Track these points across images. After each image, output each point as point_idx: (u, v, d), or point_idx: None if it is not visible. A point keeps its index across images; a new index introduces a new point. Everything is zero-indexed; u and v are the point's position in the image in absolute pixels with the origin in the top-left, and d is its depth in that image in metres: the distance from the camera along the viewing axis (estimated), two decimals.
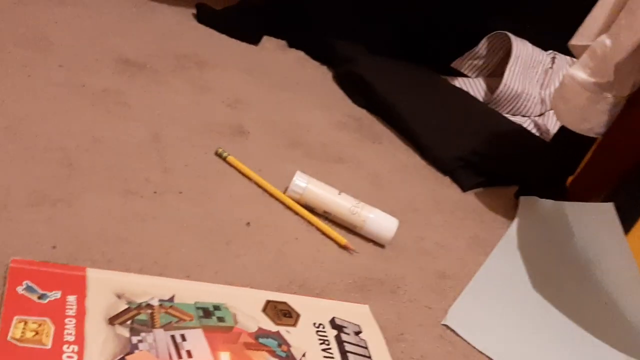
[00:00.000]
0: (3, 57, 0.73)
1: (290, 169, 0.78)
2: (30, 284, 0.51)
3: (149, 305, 0.54)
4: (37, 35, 0.79)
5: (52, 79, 0.74)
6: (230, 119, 0.82)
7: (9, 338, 0.46)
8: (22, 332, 0.47)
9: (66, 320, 0.50)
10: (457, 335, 0.68)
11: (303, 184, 0.73)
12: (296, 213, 0.73)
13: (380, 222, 0.74)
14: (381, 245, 0.75)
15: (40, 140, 0.66)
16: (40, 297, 0.50)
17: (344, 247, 0.72)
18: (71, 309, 0.51)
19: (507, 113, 1.13)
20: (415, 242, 0.78)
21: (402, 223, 0.79)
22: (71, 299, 0.51)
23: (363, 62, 1.03)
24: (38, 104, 0.70)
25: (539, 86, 1.13)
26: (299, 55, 1.03)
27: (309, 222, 0.73)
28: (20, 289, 0.50)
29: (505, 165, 0.96)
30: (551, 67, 1.17)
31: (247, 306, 0.59)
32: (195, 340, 0.53)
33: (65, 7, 0.86)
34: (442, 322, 0.69)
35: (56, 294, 0.51)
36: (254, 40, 1.01)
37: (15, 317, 0.48)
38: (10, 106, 0.68)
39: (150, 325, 0.52)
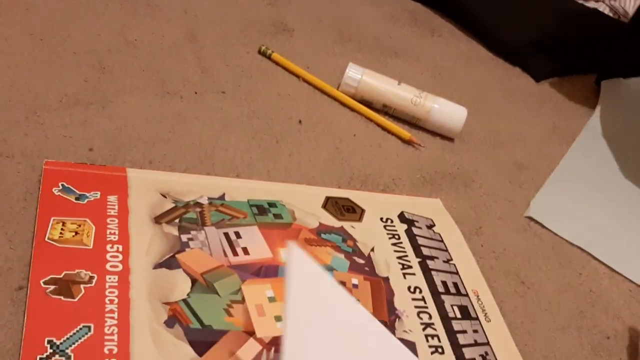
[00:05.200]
0: None
1: (341, 64, 0.71)
2: (66, 185, 0.46)
3: (197, 204, 0.49)
4: None
5: None
6: (271, 15, 0.75)
7: (46, 239, 0.42)
8: (61, 233, 0.43)
9: (108, 220, 0.45)
10: (543, 227, 0.61)
11: (357, 75, 0.66)
12: (352, 109, 0.66)
13: (447, 111, 0.66)
14: (450, 139, 0.68)
15: (69, 45, 0.60)
16: (78, 197, 0.46)
17: (408, 142, 0.65)
18: (113, 208, 0.46)
19: None
20: (487, 133, 0.70)
21: (471, 115, 0.71)
22: (112, 198, 0.47)
23: None
24: (63, 8, 0.64)
25: None
26: None
27: (367, 118, 0.66)
28: (56, 190, 0.46)
29: (582, 50, 0.85)
30: None
31: (305, 203, 0.53)
32: (251, 237, 0.48)
33: None
34: (525, 214, 0.61)
35: (95, 195, 0.46)
36: None
37: (52, 218, 0.44)
38: (34, 13, 0.63)
39: (200, 223, 0.47)
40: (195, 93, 0.61)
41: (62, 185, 0.46)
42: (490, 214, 0.60)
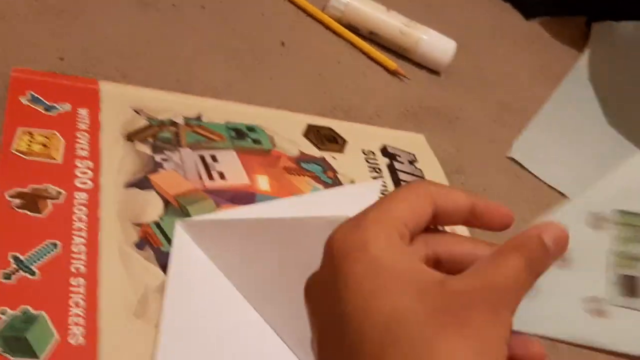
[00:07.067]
0: None
1: None
2: (35, 94, 0.44)
3: (173, 123, 0.47)
4: None
5: None
6: None
7: (13, 150, 0.40)
8: (29, 145, 0.40)
9: (78, 134, 0.43)
10: (524, 168, 0.60)
11: None
12: (338, 34, 0.64)
13: (436, 43, 0.64)
14: (436, 72, 0.66)
15: None
16: (47, 108, 0.43)
17: (393, 73, 0.63)
18: (83, 122, 0.43)
19: None
20: (474, 70, 0.69)
21: (459, 50, 0.69)
22: (82, 112, 0.44)
23: None
24: None
25: None
26: None
27: (353, 45, 0.64)
28: (24, 99, 0.43)
29: None
30: None
31: (285, 129, 0.51)
32: (228, 161, 0.46)
33: None
34: (507, 155, 0.60)
35: (65, 107, 0.44)
36: None
37: (19, 128, 0.41)
38: None
39: (175, 143, 0.45)
40: (174, 5, 0.57)
41: (30, 94, 0.43)
42: (473, 152, 0.59)
